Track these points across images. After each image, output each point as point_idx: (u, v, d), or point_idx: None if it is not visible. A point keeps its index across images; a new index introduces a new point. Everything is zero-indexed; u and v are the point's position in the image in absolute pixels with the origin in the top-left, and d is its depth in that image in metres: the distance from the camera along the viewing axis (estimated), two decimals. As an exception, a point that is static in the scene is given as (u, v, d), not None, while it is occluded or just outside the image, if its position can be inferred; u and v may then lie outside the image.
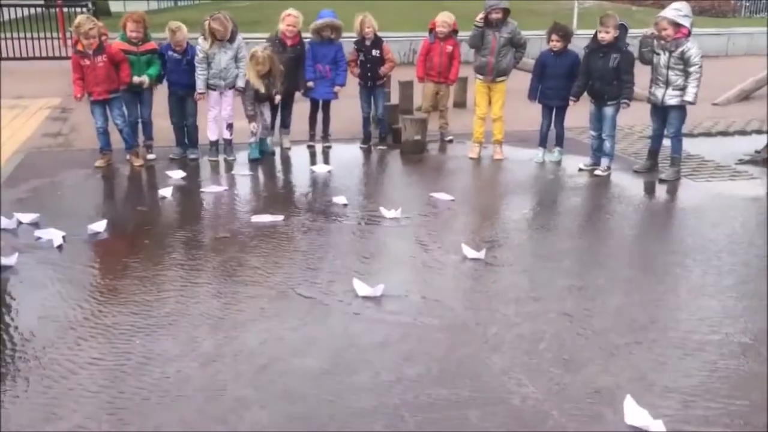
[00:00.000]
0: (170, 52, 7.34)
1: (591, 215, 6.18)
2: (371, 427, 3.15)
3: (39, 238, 5.32)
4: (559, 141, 7.75)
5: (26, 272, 4.75)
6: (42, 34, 14.17)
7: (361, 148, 8.25)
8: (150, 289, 4.48)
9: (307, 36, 7.94)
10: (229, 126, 7.63)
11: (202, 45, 7.25)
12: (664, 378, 3.56)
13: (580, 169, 7.37)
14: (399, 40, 14.04)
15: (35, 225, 5.59)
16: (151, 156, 7.64)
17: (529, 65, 8.32)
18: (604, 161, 7.26)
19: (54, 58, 13.85)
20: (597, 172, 7.23)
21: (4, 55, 13.90)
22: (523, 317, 4.18)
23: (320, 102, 8.14)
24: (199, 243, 5.35)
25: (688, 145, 7.68)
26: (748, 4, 27.83)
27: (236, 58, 7.42)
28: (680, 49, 6.67)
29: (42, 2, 16.21)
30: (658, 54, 6.83)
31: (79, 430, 3.11)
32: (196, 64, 7.26)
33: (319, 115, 8.20)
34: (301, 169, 7.54)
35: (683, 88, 6.75)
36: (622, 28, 6.98)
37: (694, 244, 5.42)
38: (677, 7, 6.72)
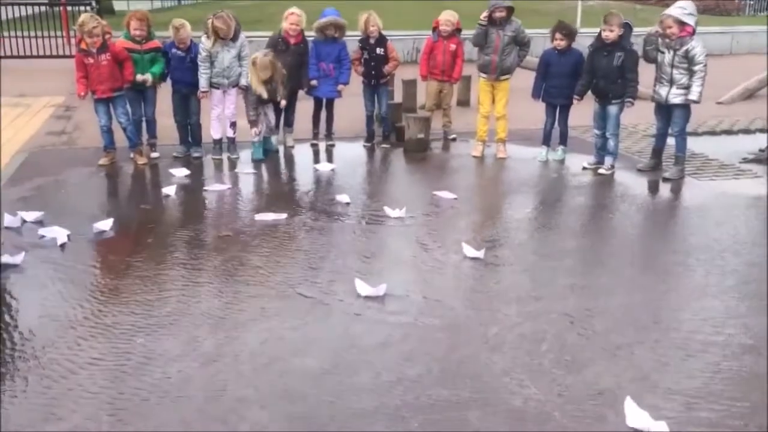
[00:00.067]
0: (174, 50, 7.35)
1: (594, 214, 6.16)
2: (372, 428, 3.14)
3: (43, 236, 5.33)
4: (563, 139, 7.73)
5: (29, 271, 4.76)
6: (46, 33, 14.19)
7: (364, 146, 8.24)
8: (151, 289, 4.48)
9: (310, 34, 7.93)
10: (233, 124, 7.63)
11: (205, 43, 7.25)
12: (667, 379, 3.54)
13: (584, 168, 7.35)
14: (402, 38, 14.01)
15: (39, 223, 5.60)
16: (154, 154, 7.64)
17: (532, 63, 8.30)
18: (608, 160, 7.24)
19: (58, 56, 13.86)
20: (601, 171, 7.21)
21: (8, 53, 13.93)
22: (525, 317, 4.17)
23: (324, 100, 8.13)
24: (201, 242, 5.36)
25: (693, 144, 7.65)
26: (752, 2, 27.75)
27: (239, 57, 7.42)
28: (685, 48, 6.65)
29: (46, 1, 16.22)
30: (663, 52, 6.80)
31: (79, 430, 3.11)
32: (199, 63, 7.26)
33: (323, 114, 8.20)
34: (305, 167, 7.54)
35: (687, 87, 6.73)
36: (627, 27, 6.96)
37: (697, 244, 5.41)
38: (682, 5, 6.69)
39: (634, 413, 3.21)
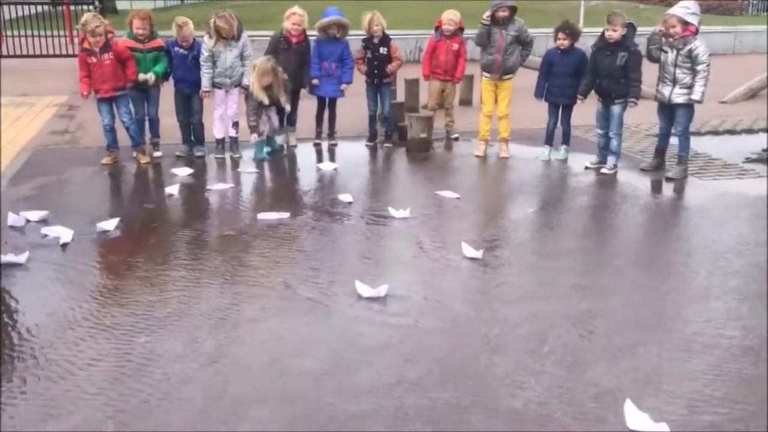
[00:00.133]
0: (176, 48, 7.36)
1: (597, 214, 6.16)
2: (372, 428, 3.14)
3: (46, 235, 5.33)
4: (566, 139, 7.73)
5: (32, 270, 4.76)
6: (49, 32, 14.20)
7: (367, 145, 8.24)
8: (153, 289, 4.47)
9: (312, 34, 7.93)
10: (235, 124, 7.64)
11: (207, 43, 7.25)
12: (669, 381, 3.53)
13: (587, 168, 7.35)
14: (405, 37, 14.01)
15: (44, 222, 5.60)
16: (157, 153, 7.66)
17: (535, 63, 8.29)
18: (611, 159, 7.23)
19: (61, 55, 13.88)
20: (603, 171, 7.20)
21: (11, 52, 13.94)
22: (526, 318, 4.16)
23: (327, 100, 8.13)
24: (203, 241, 5.36)
25: (696, 144, 7.64)
26: (755, 2, 27.67)
27: (242, 57, 7.42)
28: (688, 47, 6.64)
29: (49, 0, 16.24)
30: (666, 52, 6.80)
31: (79, 431, 3.11)
32: (202, 63, 7.27)
33: (326, 113, 8.20)
34: (307, 166, 7.54)
35: (690, 87, 6.73)
36: (630, 27, 6.95)
37: (700, 244, 5.40)
38: (686, 4, 6.69)
39: (634, 415, 3.20)
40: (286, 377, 3.52)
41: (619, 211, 6.18)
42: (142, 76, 7.16)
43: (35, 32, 14.16)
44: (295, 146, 8.12)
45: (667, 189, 6.83)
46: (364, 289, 4.41)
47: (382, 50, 7.91)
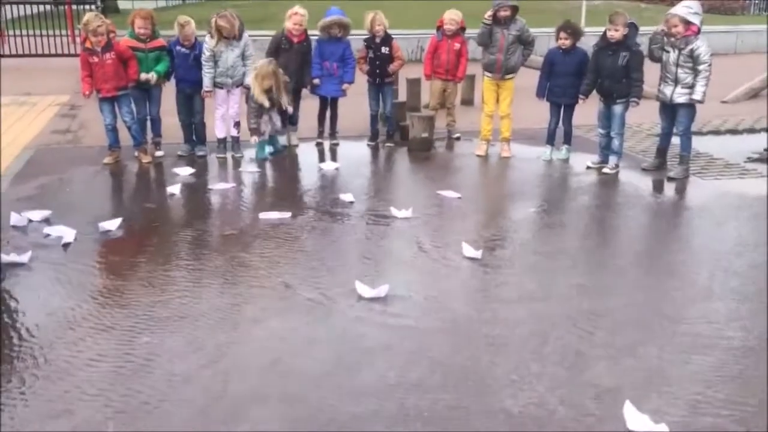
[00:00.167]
0: (178, 47, 7.36)
1: (598, 214, 6.16)
2: (373, 428, 3.13)
3: (48, 235, 5.34)
4: (567, 139, 7.73)
5: (33, 270, 4.76)
6: (51, 32, 14.21)
7: (368, 145, 8.24)
8: (154, 290, 4.46)
9: (314, 33, 7.93)
10: (237, 124, 7.64)
11: (209, 43, 7.26)
12: (671, 381, 3.52)
13: (588, 167, 7.35)
14: (406, 37, 14.01)
15: (46, 221, 5.61)
16: (159, 153, 7.66)
17: (537, 63, 8.29)
18: (612, 159, 7.23)
19: (63, 55, 13.89)
20: (605, 170, 7.20)
21: (13, 52, 13.96)
22: (528, 318, 4.15)
23: (328, 99, 8.13)
24: (205, 241, 5.36)
25: (697, 143, 7.64)
26: (757, 1, 27.66)
27: (243, 56, 7.43)
28: (689, 47, 6.64)
29: (51, -1, 16.26)
30: (668, 51, 6.80)
31: (80, 431, 3.11)
32: (203, 63, 7.27)
33: (327, 113, 8.20)
34: (309, 166, 7.54)
35: (692, 86, 6.73)
36: (632, 27, 6.95)
37: (702, 244, 5.40)
38: (688, 4, 6.69)
39: (633, 417, 3.18)
40: (287, 378, 3.51)
41: (621, 211, 6.18)
42: (143, 76, 7.17)
43: (37, 32, 14.17)
44: (297, 146, 8.12)
45: (669, 189, 6.83)
46: (365, 290, 4.40)
47: (384, 50, 7.91)
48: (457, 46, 8.06)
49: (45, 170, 7.01)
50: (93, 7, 13.88)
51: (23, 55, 13.94)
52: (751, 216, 5.98)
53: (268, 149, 7.68)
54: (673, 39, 6.71)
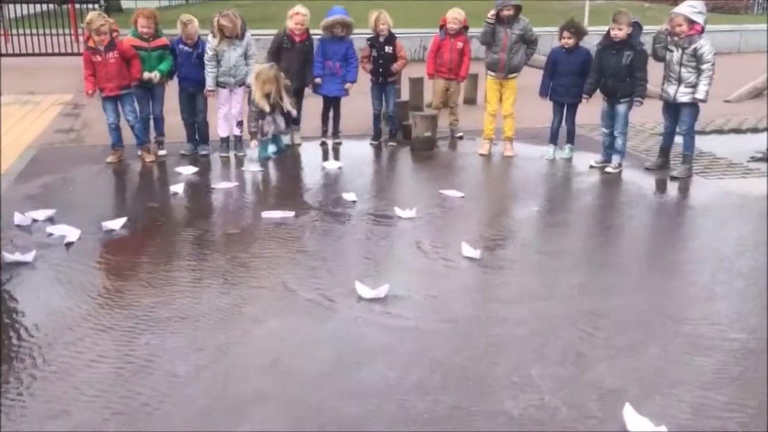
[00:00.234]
0: (181, 46, 7.37)
1: (601, 213, 6.15)
2: (373, 428, 3.13)
3: (51, 234, 5.34)
4: (570, 138, 7.72)
5: (36, 269, 4.76)
6: (54, 31, 14.24)
7: (371, 144, 8.24)
8: (155, 290, 4.45)
9: (316, 32, 7.93)
10: (239, 123, 7.65)
11: (211, 42, 7.26)
12: (673, 382, 3.51)
13: (591, 167, 7.34)
14: (409, 36, 14.01)
15: (50, 220, 5.61)
16: (162, 152, 7.66)
17: (540, 62, 8.29)
18: (616, 158, 7.22)
19: (66, 54, 13.92)
20: (608, 170, 7.19)
21: (17, 51, 13.98)
22: (529, 318, 4.14)
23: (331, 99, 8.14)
24: (207, 241, 5.35)
25: (700, 143, 7.63)
26: (761, 1, 27.60)
27: (246, 56, 7.43)
28: (693, 46, 6.63)
29: (54, -2, 16.30)
30: (671, 51, 6.79)
31: (80, 431, 3.11)
32: (206, 62, 7.28)
33: (331, 112, 8.21)
34: (311, 165, 7.54)
35: (695, 86, 6.71)
36: (636, 26, 6.93)
37: (704, 244, 5.39)
38: (692, 3, 6.67)
39: (633, 419, 3.17)
40: (287, 378, 3.50)
41: (624, 210, 6.17)
42: (146, 75, 7.18)
43: (40, 31, 14.21)
44: (300, 145, 8.12)
45: (672, 188, 6.82)
46: (365, 290, 4.38)
47: (388, 49, 7.91)
48: (460, 45, 8.05)
49: (48, 169, 7.02)
50: (96, 6, 13.92)
51: (26, 54, 13.96)
52: (754, 216, 5.97)
53: (272, 149, 7.69)
54: (676, 38, 6.69)
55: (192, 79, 7.42)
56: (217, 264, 4.88)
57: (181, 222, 5.79)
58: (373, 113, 8.26)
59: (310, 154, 7.92)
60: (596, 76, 7.14)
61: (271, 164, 7.47)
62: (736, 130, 9.15)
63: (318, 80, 7.86)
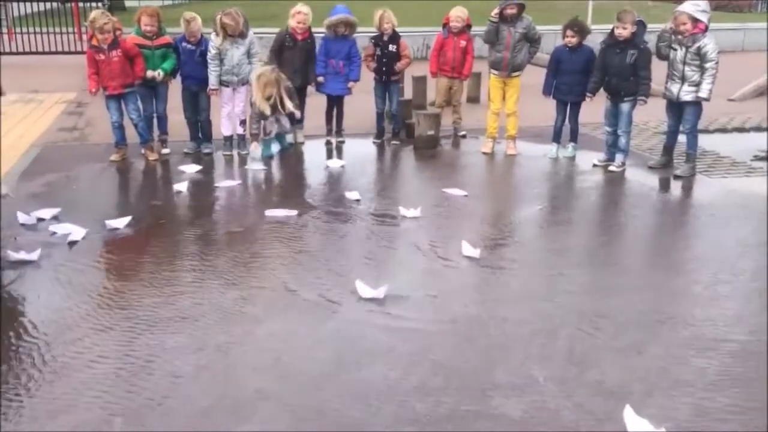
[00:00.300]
0: (184, 43, 7.38)
1: (604, 212, 6.15)
2: (373, 429, 3.13)
3: (54, 233, 5.34)
4: (574, 136, 7.71)
5: (40, 268, 4.76)
6: (57, 29, 14.27)
7: (374, 143, 8.24)
8: (157, 289, 4.44)
9: (318, 31, 7.93)
10: (242, 122, 7.65)
11: (214, 41, 7.26)
12: (675, 383, 3.50)
13: (595, 165, 7.33)
14: (412, 34, 14.00)
15: (55, 219, 5.62)
16: (165, 150, 7.67)
17: (543, 60, 8.28)
18: (619, 157, 7.21)
19: (69, 52, 13.94)
20: (611, 168, 7.19)
21: (20, 49, 14.01)
22: (532, 317, 4.13)
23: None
24: (210, 240, 5.35)
25: (704, 141, 7.62)
26: (765, -2, 27.55)
27: (249, 54, 7.43)
28: (697, 45, 6.61)
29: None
30: (675, 49, 6.78)
31: (81, 430, 3.11)
32: (209, 60, 7.28)
33: (334, 111, 8.21)
34: (314, 163, 7.54)
35: (699, 84, 6.70)
36: (640, 25, 6.93)
37: (708, 243, 5.38)
38: (696, 2, 6.66)
39: (633, 421, 3.15)
40: (288, 378, 3.50)
41: (627, 209, 6.16)
42: (150, 73, 7.18)
43: (44, 29, 14.23)
44: (303, 143, 8.13)
45: (675, 187, 6.81)
46: (364, 290, 4.37)
47: (392, 47, 7.91)
48: (463, 43, 8.05)
49: (52, 167, 7.03)
50: (99, 4, 13.94)
51: (30, 53, 13.99)
52: (757, 215, 5.95)
53: (275, 147, 7.69)
54: (680, 36, 6.68)
55: (195, 77, 7.42)
56: (219, 263, 4.88)
57: (184, 221, 5.80)
58: (376, 112, 8.26)
59: (313, 152, 7.92)
60: (600, 74, 7.13)
61: (274, 163, 7.48)
62: (740, 129, 9.12)
63: (321, 79, 7.87)
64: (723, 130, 9.02)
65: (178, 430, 3.11)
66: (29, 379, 3.47)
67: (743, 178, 7.00)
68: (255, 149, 7.50)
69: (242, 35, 7.34)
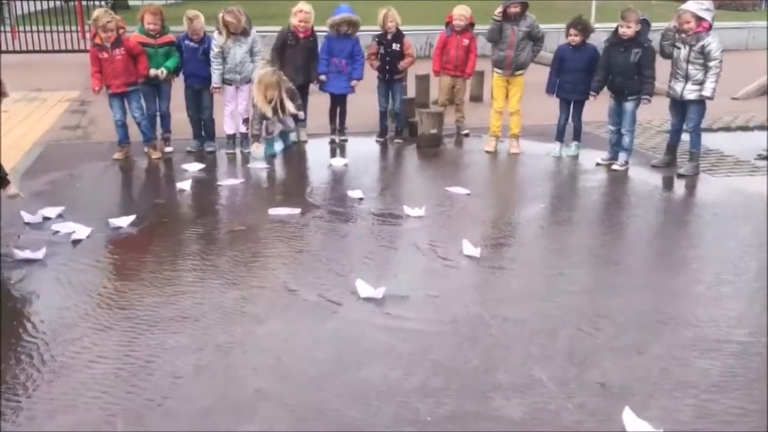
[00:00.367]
0: (187, 41, 7.38)
1: (608, 211, 6.13)
2: (374, 428, 3.12)
3: (57, 232, 5.34)
4: (577, 135, 7.70)
5: (43, 266, 4.77)
6: (61, 27, 14.28)
7: (377, 141, 8.24)
8: (159, 289, 4.44)
9: (320, 29, 7.93)
10: (245, 120, 7.65)
11: (217, 39, 7.27)
12: (676, 382, 3.49)
13: (598, 164, 7.32)
14: (415, 33, 13.99)
15: (60, 217, 5.62)
16: (168, 149, 7.68)
17: (547, 59, 8.27)
18: (622, 156, 7.20)
19: (72, 51, 13.96)
20: (614, 167, 7.17)
21: (23, 48, 14.03)
22: (533, 317, 4.12)
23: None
24: (213, 238, 5.35)
25: (707, 140, 7.60)
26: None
27: (251, 52, 7.43)
28: (701, 44, 6.60)
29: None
30: (679, 48, 6.76)
31: (81, 430, 3.10)
32: (212, 59, 7.28)
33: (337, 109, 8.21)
34: (318, 162, 7.54)
35: (702, 83, 6.69)
36: (644, 23, 6.91)
37: (711, 242, 5.36)
38: (699, 0, 6.64)
39: (632, 423, 3.14)
40: (288, 378, 3.49)
41: (631, 207, 6.14)
42: (153, 72, 7.19)
43: (47, 27, 14.25)
44: (306, 142, 8.13)
45: (679, 186, 6.79)
46: (364, 290, 4.36)
47: (395, 46, 7.90)
48: (466, 42, 8.04)
49: (55, 166, 7.04)
50: (103, 2, 13.96)
51: (33, 51, 14.00)
52: (761, 214, 5.93)
53: (278, 146, 7.69)
54: (684, 35, 6.67)
55: (198, 75, 7.42)
56: (221, 263, 4.86)
57: (187, 219, 5.80)
58: (380, 110, 8.26)
59: (316, 151, 7.92)
60: (604, 73, 7.11)
61: (277, 161, 7.48)
62: (744, 128, 9.10)
63: (323, 77, 7.86)
64: (727, 129, 9.01)
65: (178, 430, 3.11)
66: (28, 378, 3.46)
67: (747, 177, 6.98)
68: (256, 149, 7.50)
69: (245, 33, 7.35)
